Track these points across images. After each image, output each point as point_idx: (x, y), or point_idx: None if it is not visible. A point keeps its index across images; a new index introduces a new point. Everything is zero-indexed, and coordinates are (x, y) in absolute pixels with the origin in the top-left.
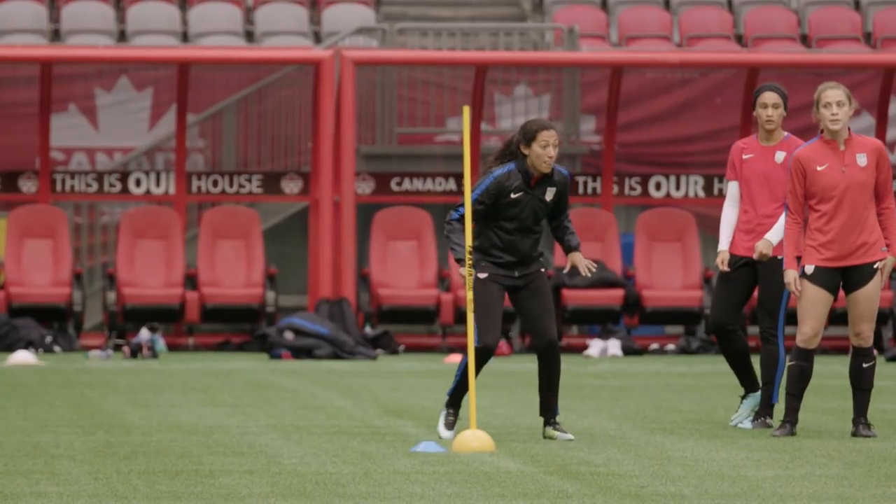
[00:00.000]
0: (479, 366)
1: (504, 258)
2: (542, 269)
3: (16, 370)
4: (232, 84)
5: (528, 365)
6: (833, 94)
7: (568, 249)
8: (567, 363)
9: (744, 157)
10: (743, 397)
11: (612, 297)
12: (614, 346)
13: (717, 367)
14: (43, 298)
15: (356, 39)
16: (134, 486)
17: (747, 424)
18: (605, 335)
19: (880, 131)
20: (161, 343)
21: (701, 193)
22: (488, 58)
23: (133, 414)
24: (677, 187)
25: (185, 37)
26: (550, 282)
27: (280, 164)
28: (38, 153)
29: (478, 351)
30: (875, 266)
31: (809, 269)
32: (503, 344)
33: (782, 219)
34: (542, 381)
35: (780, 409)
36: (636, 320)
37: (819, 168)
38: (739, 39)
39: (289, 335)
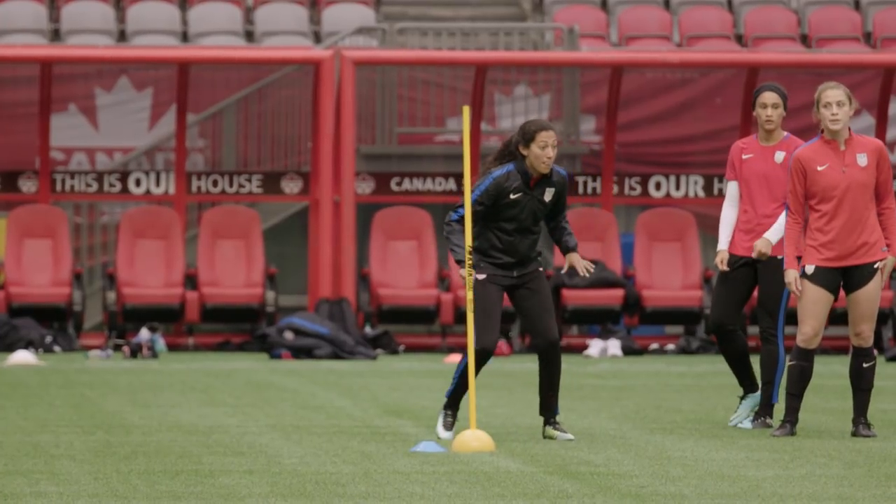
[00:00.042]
0: (478, 367)
1: (503, 259)
2: (541, 269)
3: (16, 370)
4: (232, 84)
5: (528, 365)
6: (833, 94)
7: (566, 250)
8: (567, 363)
9: (743, 157)
10: (742, 398)
11: (611, 297)
12: (614, 346)
13: (717, 367)
14: (43, 298)
15: (356, 39)
16: (134, 486)
17: (747, 424)
18: (605, 335)
19: (880, 131)
20: (161, 343)
21: (701, 193)
22: (488, 58)
23: (133, 414)
24: (677, 187)
25: (185, 37)
26: (550, 282)
27: (280, 164)
28: (38, 153)
29: (476, 353)
30: (875, 266)
31: (810, 268)
32: (503, 344)
33: (782, 218)
34: (542, 381)
35: (779, 409)
36: (636, 320)
37: (819, 168)
38: (739, 39)
39: (289, 335)
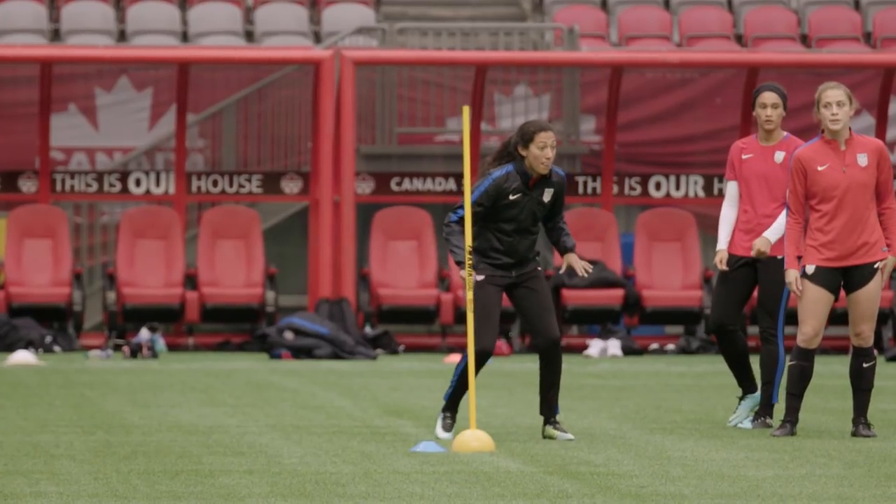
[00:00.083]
0: (477, 369)
1: (502, 260)
2: (539, 269)
3: (16, 370)
4: (232, 84)
5: (529, 365)
6: (833, 94)
7: (564, 251)
8: (567, 363)
9: (743, 157)
10: (741, 398)
11: (611, 297)
12: (614, 346)
13: (717, 367)
14: (43, 298)
15: (356, 39)
16: (134, 486)
17: (747, 424)
18: (605, 335)
19: (880, 131)
20: (161, 343)
21: (701, 193)
22: (488, 58)
23: (133, 414)
24: (677, 187)
25: (185, 37)
26: (550, 282)
27: (280, 164)
28: (38, 153)
29: (476, 354)
30: (875, 266)
31: (810, 268)
32: (503, 344)
33: (781, 217)
34: (543, 380)
35: (779, 409)
36: (636, 320)
37: (820, 168)
38: (739, 39)
39: (289, 335)
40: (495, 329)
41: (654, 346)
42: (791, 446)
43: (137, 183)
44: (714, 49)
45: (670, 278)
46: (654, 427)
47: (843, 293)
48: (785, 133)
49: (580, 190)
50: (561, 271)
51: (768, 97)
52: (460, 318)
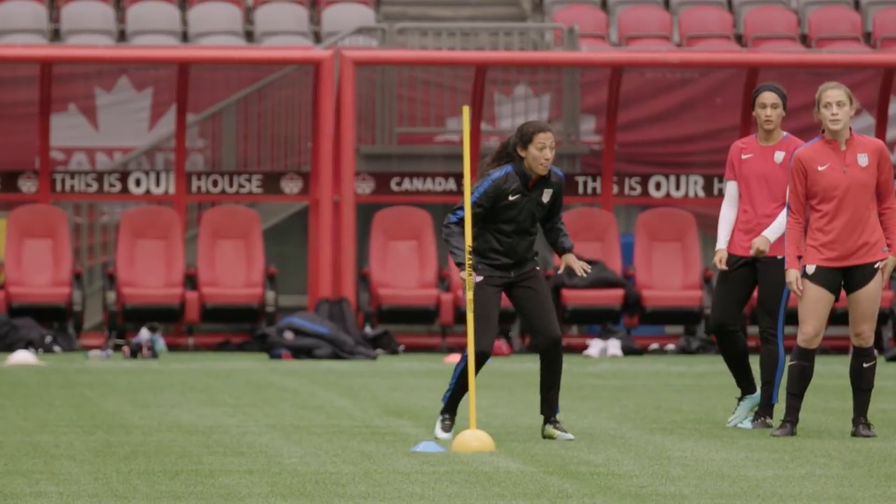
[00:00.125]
0: (476, 370)
1: (501, 260)
2: (537, 268)
3: (16, 370)
4: (232, 84)
5: (529, 365)
6: (833, 94)
7: (562, 251)
8: (567, 363)
9: (743, 156)
10: (739, 399)
11: (611, 297)
12: (614, 346)
13: (717, 367)
14: (43, 298)
15: (356, 39)
16: (134, 486)
17: (747, 424)
18: (605, 335)
19: (880, 131)
20: (161, 343)
21: (701, 193)
22: (488, 58)
23: (133, 414)
24: (677, 187)
25: (185, 37)
26: (550, 282)
27: (280, 164)
28: (38, 153)
29: (475, 355)
30: (876, 266)
31: (811, 268)
32: (503, 344)
33: (781, 217)
34: (543, 380)
35: (779, 408)
36: (636, 320)
37: (820, 168)
38: (739, 39)
39: (289, 335)
40: (494, 330)
41: (654, 346)
42: (791, 446)
43: (137, 183)
44: (714, 49)
45: (670, 278)
46: (654, 427)
47: (843, 293)
48: (785, 133)
49: (580, 190)
50: (559, 271)
51: (768, 97)
52: (460, 318)
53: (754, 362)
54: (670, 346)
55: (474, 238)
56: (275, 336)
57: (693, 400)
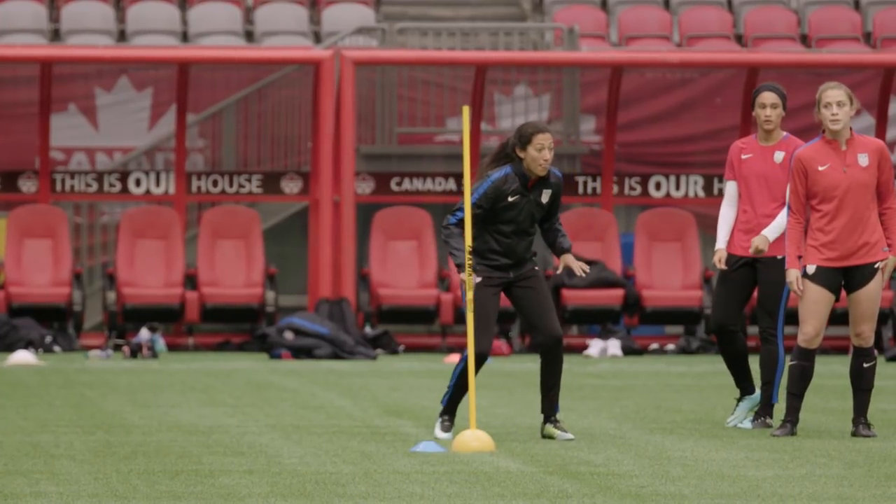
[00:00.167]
0: (474, 372)
1: (500, 261)
2: (536, 268)
3: (16, 370)
4: (232, 84)
5: (529, 365)
6: (833, 94)
7: (560, 252)
8: (567, 363)
9: (742, 156)
10: (738, 400)
11: (611, 297)
12: (614, 346)
13: (717, 367)
14: (43, 298)
15: (356, 39)
16: (134, 486)
17: (747, 424)
18: (605, 335)
19: (880, 131)
20: (161, 343)
21: (701, 193)
22: (488, 58)
23: (133, 414)
24: (677, 187)
25: (185, 37)
26: (550, 282)
27: (280, 164)
28: (38, 153)
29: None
30: (876, 266)
31: (811, 268)
32: (503, 344)
33: (780, 216)
34: (544, 379)
35: (779, 408)
36: (636, 320)
37: (820, 168)
38: (739, 39)
39: (289, 335)
40: (492, 332)
41: (654, 346)
42: (791, 446)
43: (137, 183)
44: (714, 49)
45: (670, 278)
46: (654, 427)
47: (843, 293)
48: (784, 133)
49: (580, 190)
50: (558, 271)
51: (768, 97)
52: (460, 318)
53: (754, 362)
54: (670, 346)
55: (473, 239)
56: (275, 336)
57: (693, 400)
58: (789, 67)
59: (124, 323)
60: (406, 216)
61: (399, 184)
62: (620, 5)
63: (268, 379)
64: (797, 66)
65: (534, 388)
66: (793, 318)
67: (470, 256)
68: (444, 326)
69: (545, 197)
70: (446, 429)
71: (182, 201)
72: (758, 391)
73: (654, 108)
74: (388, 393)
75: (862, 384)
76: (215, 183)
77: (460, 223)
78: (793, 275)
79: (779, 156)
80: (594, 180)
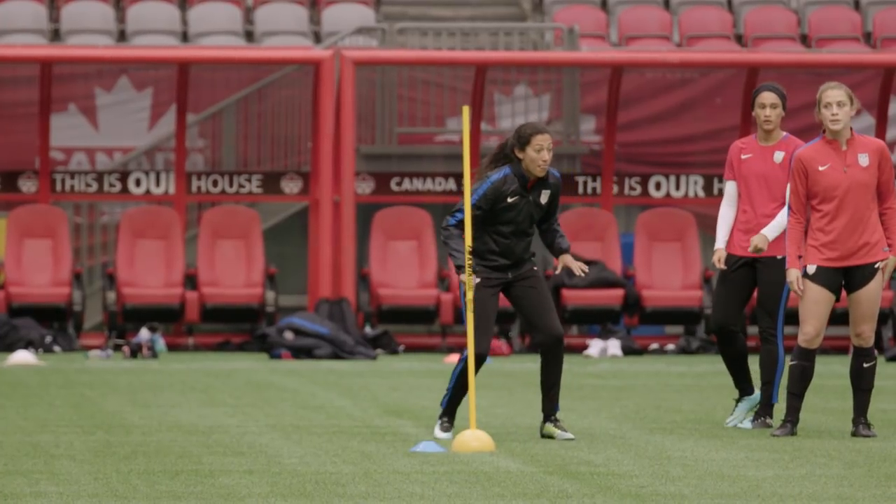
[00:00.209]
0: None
1: (499, 262)
2: (535, 268)
3: (16, 370)
4: (232, 84)
5: (529, 365)
6: (834, 94)
7: (559, 252)
8: (567, 363)
9: (742, 156)
10: (737, 400)
11: (611, 297)
12: (614, 346)
13: (717, 367)
14: (43, 298)
15: (356, 39)
16: (134, 486)
17: (747, 424)
18: (605, 335)
19: (880, 131)
20: (161, 343)
21: (701, 193)
22: (488, 58)
23: (133, 414)
24: (677, 187)
25: (185, 37)
26: (550, 282)
27: (280, 164)
28: (38, 153)
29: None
30: (876, 266)
31: (811, 268)
32: (503, 344)
33: (779, 216)
34: (545, 378)
35: (779, 408)
36: (636, 320)
37: (821, 168)
38: (739, 39)
39: (289, 335)
40: (490, 333)
41: (654, 346)
42: (791, 446)
43: (137, 183)
44: (714, 49)
45: (670, 278)
46: (654, 427)
47: (843, 293)
48: (784, 133)
49: (580, 190)
50: (557, 271)
51: (767, 97)
52: (460, 318)
53: (753, 363)
54: (670, 346)
55: (472, 240)
56: (275, 336)
57: (693, 400)
58: (789, 67)
59: (124, 323)
60: (406, 216)
61: (399, 184)
62: (620, 5)
63: (268, 379)
64: (797, 66)
65: (534, 388)
66: (793, 318)
67: (470, 257)
68: (444, 326)
69: (544, 198)
70: (446, 429)
71: (182, 201)
72: (757, 392)
73: (654, 108)
74: (388, 393)
75: (862, 384)
76: (215, 183)
77: (459, 224)
78: (793, 275)
79: (778, 156)
80: (594, 180)
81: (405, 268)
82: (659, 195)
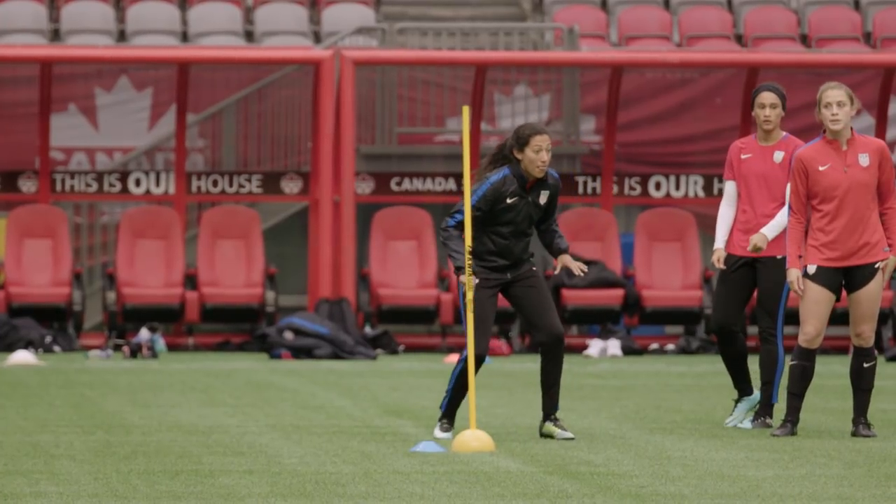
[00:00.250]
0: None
1: (498, 262)
2: (534, 268)
3: (16, 370)
4: (232, 84)
5: (528, 365)
6: (834, 94)
7: (558, 252)
8: (567, 363)
9: (742, 156)
10: (737, 401)
11: (611, 297)
12: (614, 346)
13: (717, 367)
14: (43, 298)
15: (356, 39)
16: (134, 486)
17: (747, 424)
18: (605, 335)
19: (880, 131)
20: (161, 343)
21: (701, 193)
22: (488, 58)
23: (133, 414)
24: (677, 187)
25: (185, 37)
26: (550, 282)
27: (280, 164)
28: (38, 153)
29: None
30: (876, 266)
31: (812, 268)
32: (503, 344)
33: (779, 216)
34: (545, 377)
35: (779, 408)
36: (636, 320)
37: (821, 168)
38: (739, 39)
39: (289, 335)
40: (489, 334)
41: (654, 346)
42: (791, 446)
43: (137, 183)
44: (714, 49)
45: (670, 278)
46: (654, 427)
47: (843, 293)
48: (784, 133)
49: (580, 190)
50: (556, 271)
51: (767, 97)
52: (460, 318)
53: (753, 363)
54: (670, 346)
55: (472, 240)
56: (275, 336)
57: (693, 400)
58: (789, 67)
59: (124, 323)
60: (406, 216)
61: (399, 184)
62: (620, 5)
63: (268, 379)
64: (797, 66)
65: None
66: (793, 318)
67: (469, 258)
68: (443, 326)
69: (543, 198)
70: (446, 430)
71: (182, 201)
72: (756, 392)
73: (654, 108)
74: (388, 393)
75: (862, 384)
76: (215, 183)
77: (459, 225)
78: (794, 275)
79: (778, 156)
80: (594, 180)
81: (405, 268)
82: (659, 195)
